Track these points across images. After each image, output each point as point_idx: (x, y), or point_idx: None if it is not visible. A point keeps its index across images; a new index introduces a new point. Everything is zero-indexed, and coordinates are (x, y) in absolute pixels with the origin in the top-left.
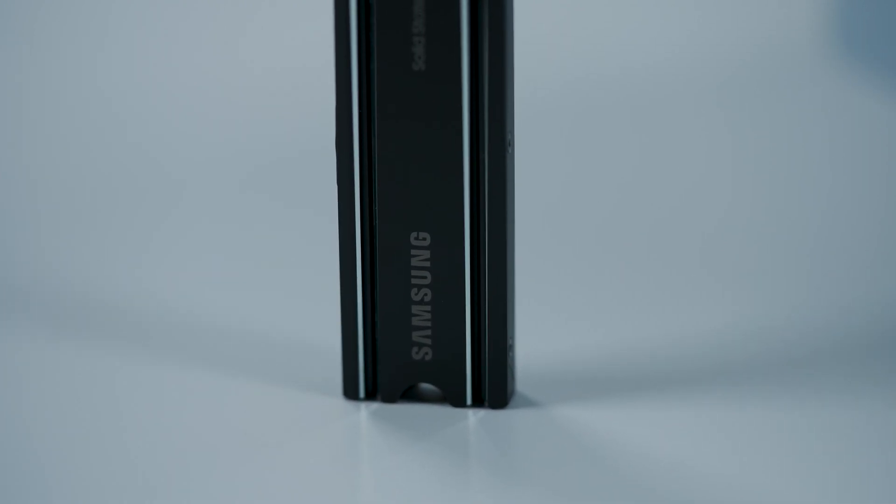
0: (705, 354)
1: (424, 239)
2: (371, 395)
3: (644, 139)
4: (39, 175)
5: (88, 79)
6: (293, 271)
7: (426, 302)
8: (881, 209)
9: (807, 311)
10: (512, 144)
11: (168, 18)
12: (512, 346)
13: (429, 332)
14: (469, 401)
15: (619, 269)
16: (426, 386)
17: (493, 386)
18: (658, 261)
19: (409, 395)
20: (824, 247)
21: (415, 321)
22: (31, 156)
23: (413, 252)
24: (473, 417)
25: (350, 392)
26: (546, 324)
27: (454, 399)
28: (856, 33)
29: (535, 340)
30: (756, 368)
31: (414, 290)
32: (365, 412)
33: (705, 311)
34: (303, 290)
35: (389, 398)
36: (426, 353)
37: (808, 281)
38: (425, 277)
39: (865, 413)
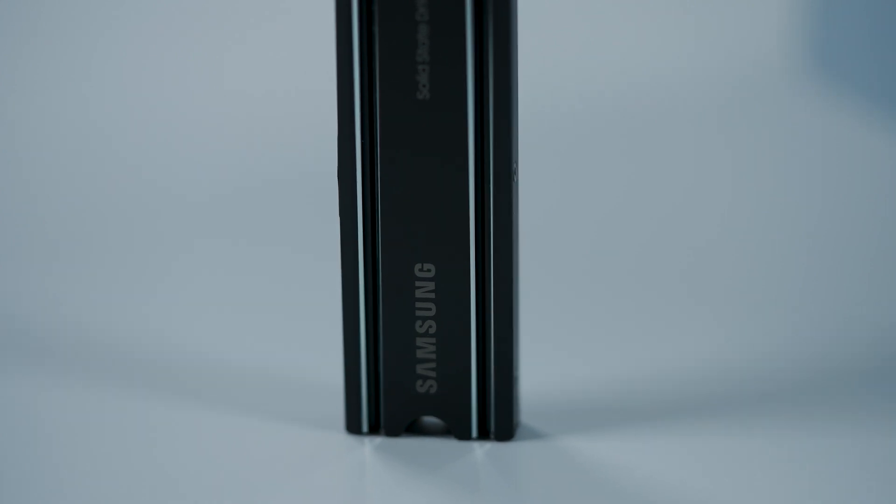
0: (708, 381)
1: (429, 270)
2: (374, 430)
3: (626, 164)
4: (41, 215)
5: (84, 105)
6: (293, 303)
7: (431, 334)
8: (865, 229)
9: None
10: (517, 173)
11: (168, 44)
12: (517, 378)
13: (434, 365)
14: (475, 433)
15: (619, 298)
16: (429, 419)
17: (499, 418)
18: (655, 291)
19: (412, 428)
20: (810, 268)
21: (419, 354)
22: (27, 200)
23: (418, 284)
24: (480, 450)
25: (353, 426)
26: (546, 354)
27: (459, 432)
28: (829, 52)
29: (536, 371)
30: (761, 395)
31: (419, 323)
32: (369, 447)
33: (705, 338)
34: (304, 322)
35: (393, 432)
36: (431, 386)
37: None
38: (430, 309)
39: (869, 440)
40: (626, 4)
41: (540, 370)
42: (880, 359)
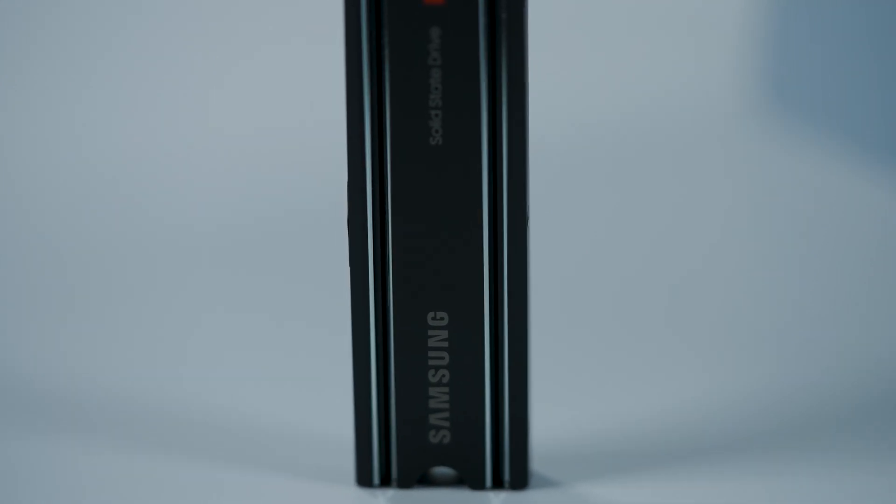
0: (723, 422)
1: (442, 318)
2: (386, 482)
3: (583, 201)
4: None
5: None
6: (302, 353)
7: (444, 383)
8: (836, 260)
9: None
10: (528, 218)
11: (170, 84)
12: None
13: (447, 415)
14: (489, 483)
15: (628, 341)
16: (440, 469)
17: (513, 467)
18: (658, 329)
19: (424, 479)
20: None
21: (432, 403)
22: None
23: (430, 332)
24: (495, 500)
25: (364, 479)
26: (556, 401)
27: (473, 482)
28: (783, 84)
29: (546, 418)
30: (774, 437)
31: (431, 372)
32: (381, 499)
33: (718, 381)
34: (312, 372)
35: (406, 484)
36: (444, 436)
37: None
38: (443, 358)
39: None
40: (584, 42)
41: (547, 416)
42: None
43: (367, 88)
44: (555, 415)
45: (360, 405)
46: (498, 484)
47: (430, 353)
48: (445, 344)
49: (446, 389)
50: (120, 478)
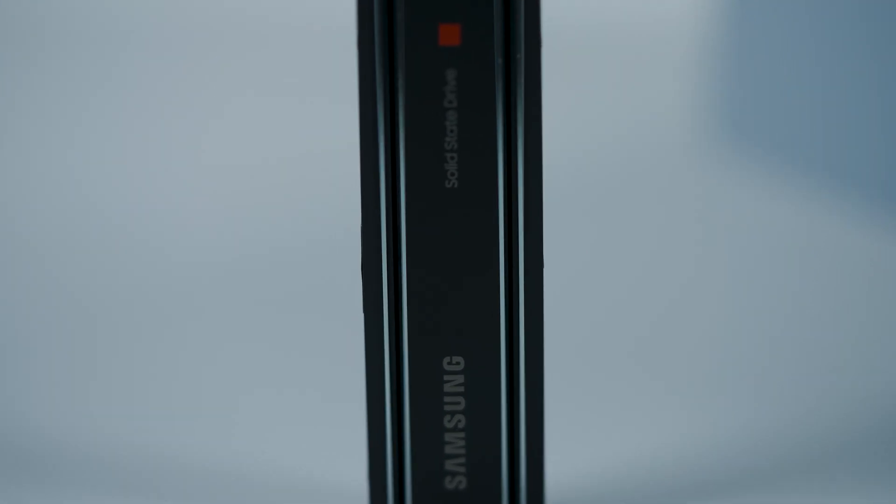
0: (736, 457)
1: (458, 363)
2: None
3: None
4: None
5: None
6: (316, 397)
7: (460, 428)
8: (795, 292)
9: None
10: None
11: (174, 127)
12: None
13: (463, 460)
14: None
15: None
16: None
17: None
18: (682, 372)
19: None
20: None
21: (448, 449)
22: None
23: (446, 377)
24: None
25: None
26: (572, 445)
27: None
28: (740, 118)
29: (562, 463)
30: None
31: (447, 417)
32: None
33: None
34: (325, 418)
35: None
36: (460, 482)
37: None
38: (459, 403)
39: None
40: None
41: (563, 458)
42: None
43: (381, 131)
44: (571, 459)
45: (375, 451)
46: None
47: (446, 399)
48: (462, 389)
49: (462, 435)
50: None
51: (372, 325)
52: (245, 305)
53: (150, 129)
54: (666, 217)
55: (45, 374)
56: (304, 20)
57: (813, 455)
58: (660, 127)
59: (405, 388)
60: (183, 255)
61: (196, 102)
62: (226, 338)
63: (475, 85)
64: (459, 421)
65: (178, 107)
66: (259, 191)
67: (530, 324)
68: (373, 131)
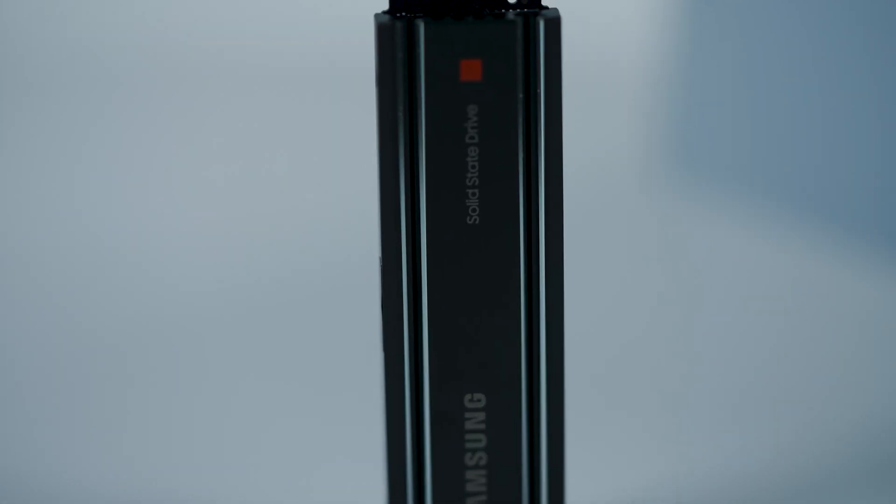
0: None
1: (479, 400)
2: None
3: None
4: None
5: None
6: (335, 435)
7: (481, 466)
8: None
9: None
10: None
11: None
12: None
13: (484, 498)
14: None
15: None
16: None
17: None
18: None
19: None
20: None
21: (469, 487)
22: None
23: (467, 415)
24: None
25: None
26: (593, 483)
27: None
28: (692, 150)
29: (582, 497)
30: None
31: (468, 455)
32: None
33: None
34: (345, 456)
35: None
36: None
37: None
38: (480, 441)
39: None
40: None
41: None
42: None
43: (402, 168)
44: (592, 497)
45: (395, 489)
46: None
47: (467, 436)
48: (483, 426)
49: (484, 472)
50: None
51: (393, 362)
52: (261, 341)
53: (158, 162)
54: (625, 255)
55: (59, 419)
56: (315, 60)
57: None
58: (614, 164)
59: (426, 425)
60: (203, 300)
61: (205, 143)
62: (241, 373)
63: (496, 120)
64: (481, 458)
65: (189, 147)
66: (277, 228)
67: (552, 360)
68: (393, 168)
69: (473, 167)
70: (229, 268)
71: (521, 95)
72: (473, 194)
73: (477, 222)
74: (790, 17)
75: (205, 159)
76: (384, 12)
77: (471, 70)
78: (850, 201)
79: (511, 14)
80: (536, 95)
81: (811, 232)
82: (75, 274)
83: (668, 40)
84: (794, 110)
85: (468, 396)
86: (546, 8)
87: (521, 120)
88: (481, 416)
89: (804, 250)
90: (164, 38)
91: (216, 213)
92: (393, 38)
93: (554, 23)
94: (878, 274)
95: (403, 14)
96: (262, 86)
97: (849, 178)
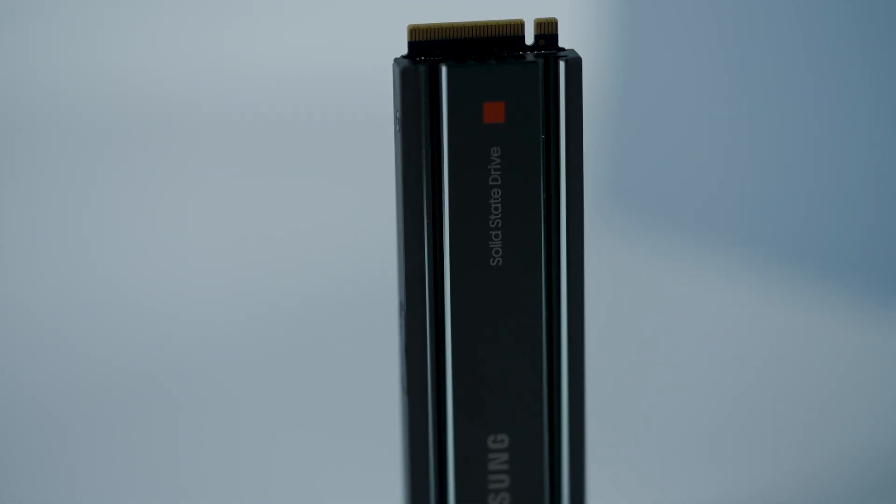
0: None
1: (502, 441)
2: None
3: None
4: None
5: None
6: (357, 478)
7: None
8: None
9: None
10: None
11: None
12: None
13: None
14: None
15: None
16: None
17: None
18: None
19: None
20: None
21: None
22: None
23: (490, 455)
24: None
25: None
26: None
27: None
28: (628, 190)
29: None
30: None
31: (491, 496)
32: None
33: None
34: (367, 499)
35: None
36: None
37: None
38: (503, 481)
39: None
40: None
41: None
42: None
43: (426, 211)
44: None
45: None
46: None
47: (490, 477)
48: (506, 466)
49: None
50: None
51: (417, 405)
52: (282, 383)
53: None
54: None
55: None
56: (328, 105)
57: None
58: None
59: (449, 467)
60: (218, 353)
61: (217, 188)
62: (261, 419)
63: (519, 162)
64: (504, 499)
65: (197, 194)
66: (296, 272)
67: (573, 399)
68: (417, 212)
69: (496, 209)
70: (245, 310)
71: (542, 136)
72: (496, 236)
73: (500, 264)
74: (727, 47)
75: (216, 208)
76: (403, 57)
77: (494, 112)
78: (796, 234)
79: (530, 56)
80: (558, 136)
81: (755, 264)
82: (97, 322)
83: (597, 80)
84: (734, 144)
85: (491, 437)
86: (563, 49)
87: (542, 161)
88: (504, 456)
89: (755, 284)
90: (171, 86)
91: (231, 266)
92: (417, 81)
93: (574, 64)
94: (826, 306)
95: (422, 58)
96: (266, 137)
97: (792, 211)
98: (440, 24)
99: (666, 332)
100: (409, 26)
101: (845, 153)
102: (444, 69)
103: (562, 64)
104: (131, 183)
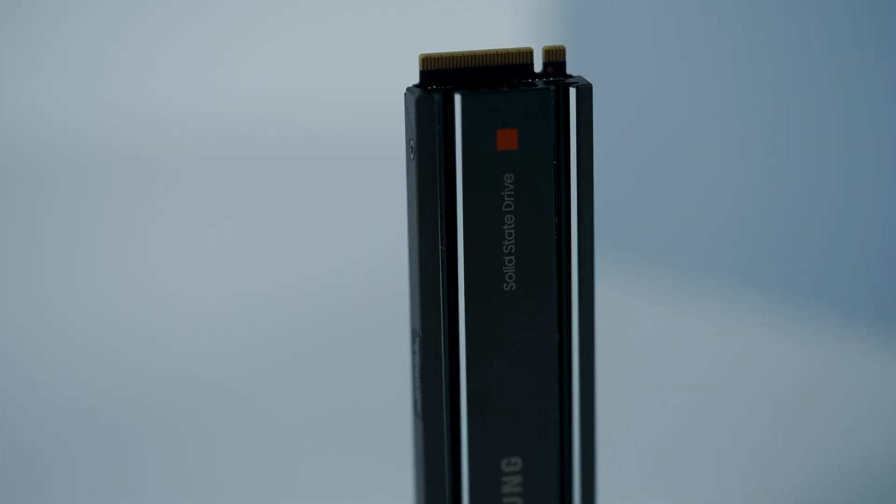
0: None
1: (516, 464)
2: None
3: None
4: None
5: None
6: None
7: None
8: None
9: None
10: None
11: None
12: None
13: None
14: None
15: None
16: None
17: None
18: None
19: None
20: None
21: None
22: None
23: (504, 479)
24: None
25: None
26: None
27: None
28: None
29: None
30: None
31: None
32: None
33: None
34: None
35: None
36: None
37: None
38: (516, 503)
39: None
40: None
41: None
42: None
43: (441, 237)
44: None
45: None
46: None
47: (504, 500)
48: (519, 489)
49: None
50: None
51: (432, 429)
52: (299, 408)
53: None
54: None
55: None
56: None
57: None
58: None
59: (464, 491)
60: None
61: (229, 221)
62: (283, 440)
63: (532, 188)
64: None
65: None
66: (309, 300)
67: (584, 423)
68: (433, 238)
69: (510, 234)
70: (251, 330)
71: (554, 162)
72: (510, 261)
73: (513, 289)
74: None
75: (227, 248)
76: (415, 86)
77: (508, 139)
78: (768, 266)
79: (540, 83)
80: (569, 162)
81: (728, 296)
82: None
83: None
84: (707, 172)
85: (505, 460)
86: (571, 76)
87: (554, 186)
88: (517, 479)
89: (721, 315)
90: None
91: (244, 305)
92: (432, 109)
93: (585, 91)
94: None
95: (434, 87)
96: (271, 163)
97: (761, 243)
98: (452, 53)
99: (661, 362)
100: (421, 56)
101: (826, 184)
102: (458, 97)
103: (573, 91)
104: (138, 208)
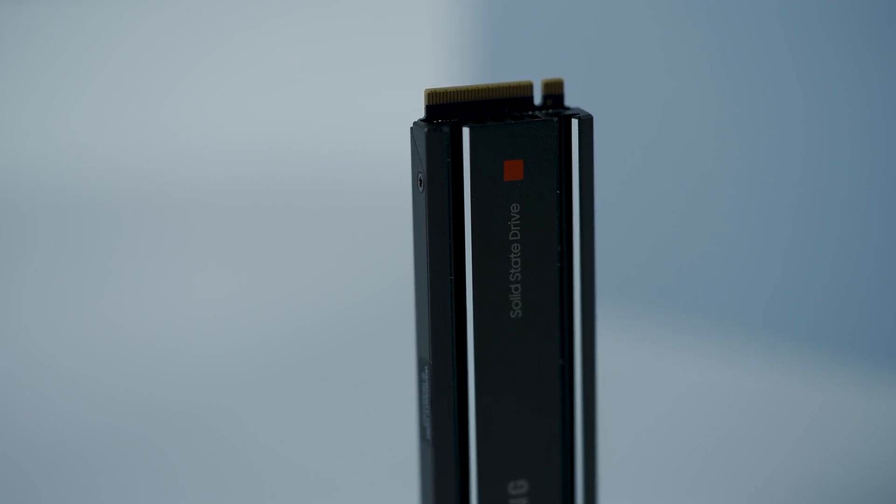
0: None
1: (522, 486)
2: None
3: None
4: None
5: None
6: None
7: None
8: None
9: None
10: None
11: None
12: None
13: None
14: None
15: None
16: None
17: None
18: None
19: None
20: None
21: None
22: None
23: (511, 501)
24: None
25: None
26: None
27: None
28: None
29: None
30: None
31: None
32: None
33: None
34: None
35: None
36: None
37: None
38: None
39: None
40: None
41: None
42: None
43: (450, 266)
44: None
45: None
46: None
47: None
48: None
49: None
50: None
51: (441, 454)
52: (309, 433)
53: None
54: None
55: None
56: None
57: None
58: None
59: None
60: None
61: (238, 252)
62: (287, 462)
63: (537, 217)
64: None
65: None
66: (320, 328)
67: (587, 444)
68: (443, 268)
69: (517, 263)
70: (257, 357)
71: (558, 192)
72: (516, 289)
73: (520, 316)
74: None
75: (233, 284)
76: (422, 120)
77: (514, 170)
78: (767, 306)
79: (542, 114)
80: (571, 192)
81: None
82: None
83: None
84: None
85: (512, 483)
86: (569, 107)
87: (557, 216)
88: (524, 501)
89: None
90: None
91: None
92: (441, 143)
93: (587, 122)
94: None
95: (439, 120)
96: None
97: (742, 280)
98: (456, 88)
99: (663, 386)
100: (427, 90)
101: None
102: (467, 130)
103: (574, 122)
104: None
